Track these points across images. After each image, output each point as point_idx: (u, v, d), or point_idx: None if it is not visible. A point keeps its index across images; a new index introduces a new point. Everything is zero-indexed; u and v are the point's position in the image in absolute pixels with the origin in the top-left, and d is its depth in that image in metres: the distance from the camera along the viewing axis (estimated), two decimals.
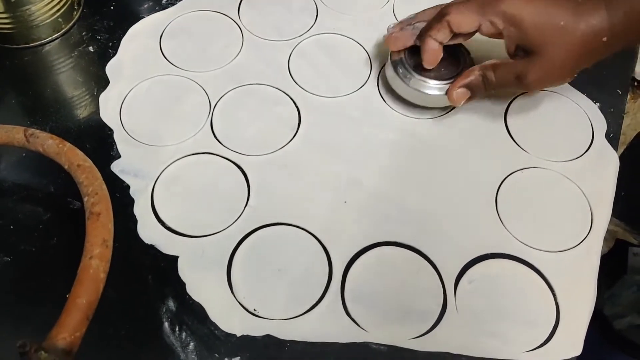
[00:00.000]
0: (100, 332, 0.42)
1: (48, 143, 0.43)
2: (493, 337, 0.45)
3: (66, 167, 0.41)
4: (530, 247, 0.49)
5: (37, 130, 0.45)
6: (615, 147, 0.55)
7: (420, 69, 0.53)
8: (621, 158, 0.55)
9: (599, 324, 0.86)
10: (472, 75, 0.51)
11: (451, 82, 0.52)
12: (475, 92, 0.52)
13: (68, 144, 0.43)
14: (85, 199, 0.38)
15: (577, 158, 0.54)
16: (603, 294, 1.07)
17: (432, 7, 0.53)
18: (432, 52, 0.51)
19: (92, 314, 0.35)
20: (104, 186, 0.39)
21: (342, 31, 0.62)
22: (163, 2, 0.63)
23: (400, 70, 0.54)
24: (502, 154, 0.54)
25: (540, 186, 0.53)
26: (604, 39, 0.47)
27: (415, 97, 0.54)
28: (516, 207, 0.51)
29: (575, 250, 0.49)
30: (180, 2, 0.63)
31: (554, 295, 0.47)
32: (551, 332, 0.45)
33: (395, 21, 0.57)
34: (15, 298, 0.45)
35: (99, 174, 0.40)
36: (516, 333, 0.45)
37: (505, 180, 0.52)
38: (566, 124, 0.56)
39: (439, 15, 0.50)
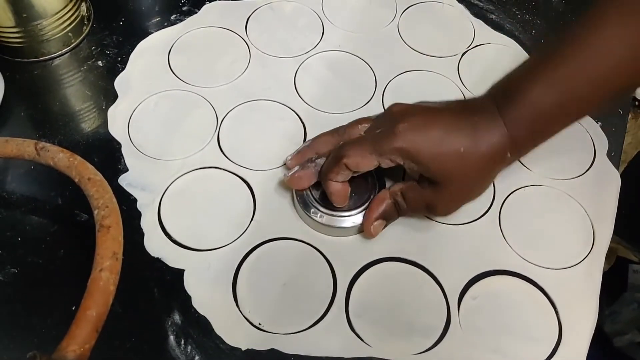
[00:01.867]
0: (107, 345, 0.42)
1: (59, 157, 0.43)
2: (496, 353, 0.45)
3: (77, 180, 0.42)
4: (533, 264, 0.50)
5: (48, 144, 0.45)
6: (617, 166, 0.56)
7: (328, 202, 0.49)
8: (622, 176, 0.55)
9: (599, 341, 0.86)
10: (384, 204, 0.48)
11: (363, 211, 0.49)
12: (390, 219, 0.49)
13: (79, 158, 0.43)
14: (95, 212, 0.39)
15: (579, 176, 0.55)
16: (603, 311, 1.08)
17: (328, 133, 0.51)
18: (337, 193, 0.48)
19: (101, 326, 0.35)
20: (114, 199, 0.40)
21: (347, 48, 0.63)
22: (171, 18, 0.64)
23: (309, 208, 0.50)
24: (505, 172, 0.54)
25: (542, 204, 0.53)
26: (508, 154, 0.45)
27: (328, 231, 0.50)
28: (519, 224, 0.52)
29: (577, 268, 0.50)
30: (188, 19, 0.64)
31: (557, 312, 0.48)
32: (553, 349, 0.46)
33: (295, 149, 0.53)
34: (23, 309, 0.46)
35: (109, 188, 0.41)
36: (519, 350, 0.46)
37: (508, 198, 0.53)
38: (568, 142, 0.57)
39: (336, 157, 0.46)
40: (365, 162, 0.46)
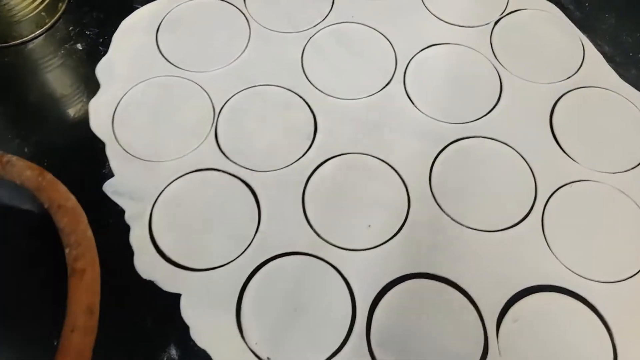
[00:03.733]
0: None
1: (26, 174, 0.37)
2: None
3: (46, 206, 0.35)
4: (583, 277, 0.43)
5: (15, 157, 0.39)
6: None
7: None
8: None
9: None
10: None
11: None
12: None
13: (49, 176, 0.37)
14: (66, 251, 0.32)
15: (634, 168, 0.47)
16: None
17: None
18: None
19: None
20: (89, 232, 0.33)
21: (362, 19, 0.55)
22: None
23: None
24: (548, 165, 0.47)
25: (592, 203, 0.46)
26: None
27: None
28: (566, 228, 0.45)
29: (634, 280, 0.43)
30: None
31: (610, 335, 0.41)
32: None
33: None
34: None
35: (83, 216, 0.34)
36: None
37: (551, 197, 0.46)
38: (621, 128, 0.49)
39: None
40: None
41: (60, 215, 0.33)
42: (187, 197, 0.45)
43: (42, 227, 0.40)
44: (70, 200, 0.34)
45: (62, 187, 0.35)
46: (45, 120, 0.49)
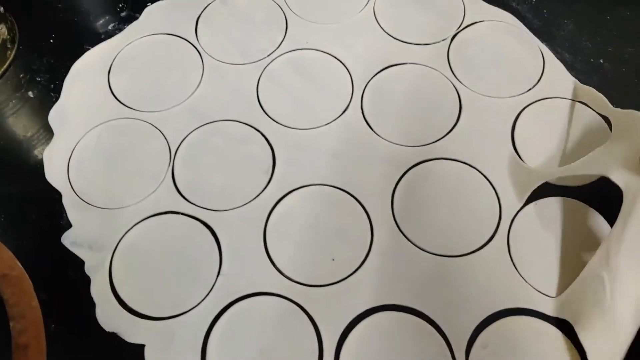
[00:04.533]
0: None
1: None
2: None
3: None
4: (552, 297, 0.42)
5: None
6: None
7: None
8: None
9: None
10: None
11: None
12: None
13: None
14: (11, 324, 0.31)
15: (599, 179, 0.47)
16: None
17: None
18: None
19: None
20: (35, 302, 0.33)
21: (317, 45, 0.54)
22: (109, 28, 0.55)
23: None
24: (511, 183, 0.46)
25: (558, 219, 0.45)
26: None
27: None
28: (532, 248, 0.44)
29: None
30: (129, 27, 0.55)
31: (582, 355, 0.40)
32: None
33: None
34: None
35: (29, 286, 0.33)
36: None
37: (516, 216, 0.45)
38: (585, 138, 0.48)
39: None
40: None
41: (4, 286, 0.32)
42: (147, 244, 0.45)
43: None
44: (16, 269, 0.33)
45: (8, 254, 0.34)
46: (0, 173, 0.48)
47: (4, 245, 0.36)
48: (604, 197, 0.45)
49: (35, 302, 0.33)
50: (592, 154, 0.44)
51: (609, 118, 0.46)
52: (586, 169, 0.44)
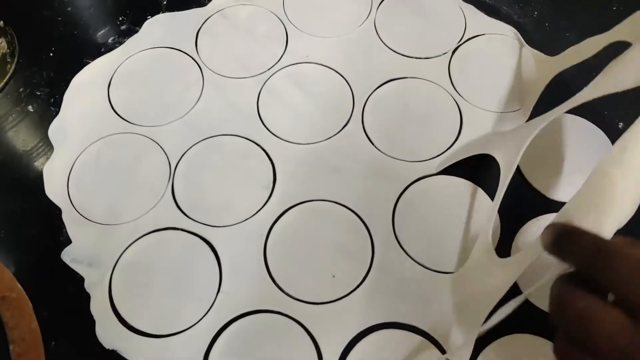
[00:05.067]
0: None
1: None
2: None
3: None
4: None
5: None
6: None
7: None
8: None
9: None
10: None
11: None
12: None
13: None
14: (10, 348, 0.31)
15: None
16: None
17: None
18: None
19: None
20: (35, 325, 0.33)
21: (318, 59, 0.54)
22: (109, 41, 0.55)
23: None
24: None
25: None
26: None
27: None
28: (533, 266, 0.43)
29: None
30: (129, 40, 0.55)
31: None
32: None
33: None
34: None
35: (29, 308, 0.33)
36: None
37: (519, 233, 0.45)
38: (587, 153, 0.48)
39: None
40: None
41: (4, 308, 0.32)
42: (146, 260, 0.44)
43: None
44: (15, 291, 0.33)
45: (8, 275, 0.34)
46: (0, 188, 0.48)
47: (4, 267, 0.36)
48: None
49: (34, 325, 0.33)
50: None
51: None
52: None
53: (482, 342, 0.41)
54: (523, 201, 0.46)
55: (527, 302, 0.42)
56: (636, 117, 0.48)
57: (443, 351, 0.41)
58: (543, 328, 0.41)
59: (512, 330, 0.41)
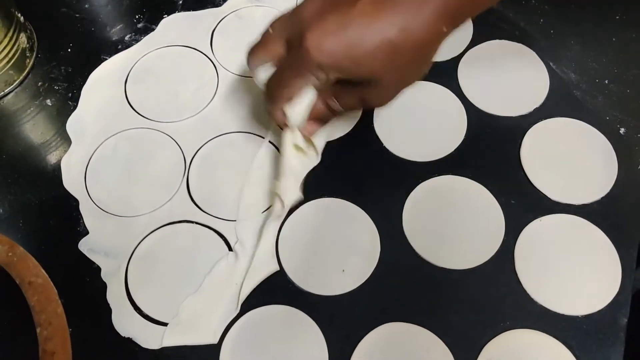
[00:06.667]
0: None
1: None
2: None
3: (17, 282, 0.35)
4: (556, 312, 0.43)
5: None
6: None
7: None
8: None
9: None
10: (316, 108, 0.43)
11: None
12: (326, 121, 0.45)
13: (20, 250, 0.37)
14: (37, 330, 0.33)
15: (602, 198, 0.48)
16: None
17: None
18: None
19: None
20: (60, 309, 0.34)
21: None
22: (126, 39, 0.56)
23: None
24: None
25: (562, 236, 0.46)
26: (444, 28, 0.39)
27: None
28: (537, 264, 0.45)
29: (603, 313, 0.43)
30: (145, 38, 0.56)
31: None
32: None
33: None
34: None
35: (54, 294, 0.34)
36: None
37: (521, 233, 0.46)
38: (589, 158, 0.50)
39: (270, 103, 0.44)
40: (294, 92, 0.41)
41: (30, 293, 0.34)
42: (162, 252, 0.46)
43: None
44: (40, 276, 0.35)
45: (33, 262, 0.36)
46: (19, 179, 0.49)
47: (29, 254, 0.37)
48: (608, 215, 0.47)
49: (60, 309, 0.34)
50: None
51: None
52: None
53: (483, 338, 0.42)
54: (526, 201, 0.48)
55: (530, 301, 0.44)
56: (636, 123, 0.50)
57: (448, 344, 0.42)
58: (544, 324, 0.43)
59: (514, 326, 0.43)
